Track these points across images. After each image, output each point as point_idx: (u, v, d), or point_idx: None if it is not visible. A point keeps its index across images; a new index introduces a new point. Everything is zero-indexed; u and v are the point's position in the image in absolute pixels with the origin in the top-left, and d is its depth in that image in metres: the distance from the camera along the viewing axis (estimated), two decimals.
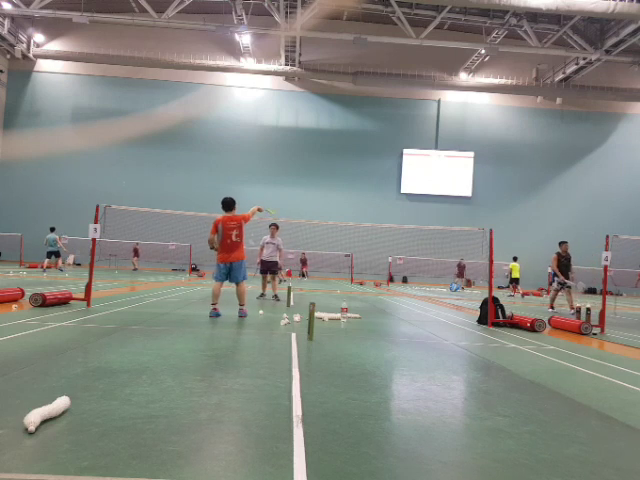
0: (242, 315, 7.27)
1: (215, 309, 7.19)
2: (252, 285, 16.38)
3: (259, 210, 7.89)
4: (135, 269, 25.61)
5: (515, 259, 20.46)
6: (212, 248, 7.42)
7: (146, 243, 26.21)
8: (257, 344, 5.26)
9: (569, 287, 11.67)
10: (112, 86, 29.97)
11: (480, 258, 18.93)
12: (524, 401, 3.34)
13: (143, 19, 24.97)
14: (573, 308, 10.64)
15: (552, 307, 12.14)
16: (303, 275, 27.28)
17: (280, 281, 20.15)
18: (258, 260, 11.11)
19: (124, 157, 29.52)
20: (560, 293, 12.33)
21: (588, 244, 25.85)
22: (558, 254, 11.80)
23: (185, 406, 2.77)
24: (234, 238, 7.24)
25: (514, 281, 20.17)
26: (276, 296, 10.67)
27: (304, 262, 27.59)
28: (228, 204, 7.40)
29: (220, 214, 7.49)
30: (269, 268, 10.97)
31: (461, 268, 23.83)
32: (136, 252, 25.97)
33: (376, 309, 10.28)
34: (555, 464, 2.24)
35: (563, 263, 11.68)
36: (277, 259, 10.97)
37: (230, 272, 7.32)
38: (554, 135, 31.46)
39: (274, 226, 11.03)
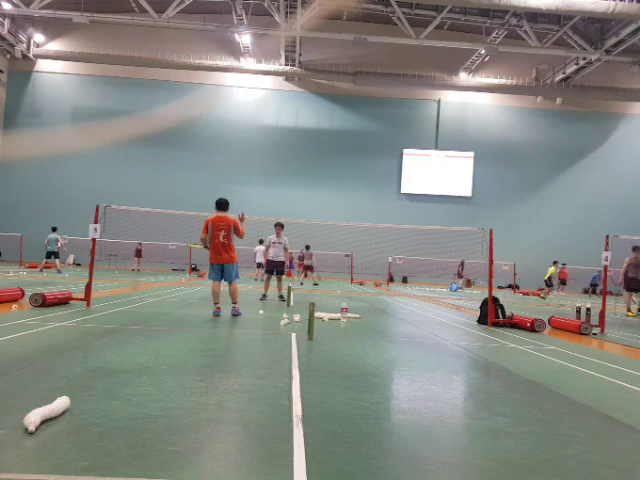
0: (235, 313, 7.34)
1: (218, 308, 7.38)
2: (253, 285, 16.41)
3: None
4: (134, 269, 25.50)
5: (555, 263, 21.02)
6: (205, 247, 7.62)
7: (146, 243, 26.18)
8: (257, 344, 5.26)
9: None
10: (112, 86, 29.97)
11: (480, 258, 18.92)
12: (524, 401, 3.34)
13: (143, 19, 24.97)
14: None
15: None
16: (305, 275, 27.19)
17: (315, 284, 20.07)
18: (261, 260, 11.05)
19: (124, 157, 29.52)
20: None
21: (588, 244, 25.92)
22: None
23: (185, 406, 2.77)
24: (222, 239, 7.34)
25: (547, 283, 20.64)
26: (282, 296, 10.53)
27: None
28: (221, 204, 7.55)
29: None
30: (275, 268, 10.85)
31: (462, 268, 23.89)
32: (138, 252, 25.78)
33: (376, 309, 10.28)
34: (555, 464, 2.24)
35: None
36: (284, 259, 10.88)
37: (223, 272, 7.46)
38: (554, 135, 31.45)
39: (279, 226, 10.79)
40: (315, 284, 20.06)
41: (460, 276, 23.84)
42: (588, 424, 2.93)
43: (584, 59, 27.01)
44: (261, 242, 17.87)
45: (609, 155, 31.50)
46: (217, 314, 7.27)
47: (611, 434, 2.77)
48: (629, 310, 12.37)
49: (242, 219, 7.71)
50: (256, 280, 19.41)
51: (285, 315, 7.08)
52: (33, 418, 2.27)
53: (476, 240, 10.64)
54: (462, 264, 23.81)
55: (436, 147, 31.23)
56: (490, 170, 31.04)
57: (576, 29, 25.64)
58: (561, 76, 29.01)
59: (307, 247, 21.02)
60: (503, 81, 28.82)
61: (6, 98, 29.56)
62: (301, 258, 21.41)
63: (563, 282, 24.53)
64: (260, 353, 4.76)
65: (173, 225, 24.12)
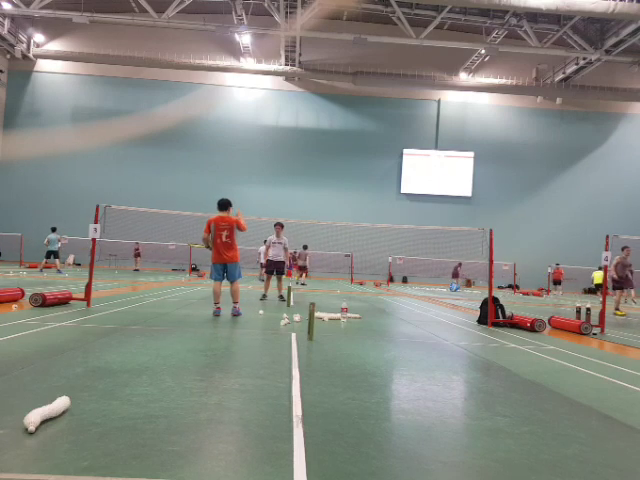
0: (235, 313, 7.35)
1: (219, 308, 7.40)
2: (253, 285, 16.40)
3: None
4: (136, 269, 25.57)
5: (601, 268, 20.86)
6: (207, 247, 7.65)
7: (146, 243, 26.18)
8: (257, 344, 5.26)
9: None
10: (112, 86, 29.97)
11: (480, 258, 18.93)
12: (524, 401, 3.34)
13: (143, 19, 24.97)
14: None
15: None
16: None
17: (300, 283, 19.81)
18: (264, 260, 11.01)
19: (124, 157, 29.52)
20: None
21: (588, 244, 25.90)
22: None
23: (185, 406, 2.77)
24: (224, 238, 7.36)
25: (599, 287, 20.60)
26: (282, 296, 10.52)
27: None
28: (223, 204, 7.57)
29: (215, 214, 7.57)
30: (276, 268, 10.82)
31: (457, 270, 23.98)
32: (137, 253, 25.94)
33: (376, 309, 10.28)
34: (555, 464, 2.24)
35: None
36: (284, 259, 10.86)
37: (225, 272, 7.48)
38: (554, 135, 31.45)
39: (279, 225, 10.76)
40: (302, 284, 19.69)
41: (455, 276, 23.86)
42: (588, 424, 2.93)
43: (584, 59, 27.01)
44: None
45: (609, 155, 31.50)
46: (217, 314, 7.27)
47: (611, 434, 2.77)
48: (617, 309, 12.55)
49: (238, 214, 7.74)
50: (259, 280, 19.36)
51: (285, 315, 7.08)
52: (33, 418, 2.26)
53: (476, 240, 10.64)
54: (459, 265, 23.89)
55: (436, 147, 31.23)
56: (490, 170, 31.04)
57: (576, 29, 25.64)
58: (561, 76, 29.02)
59: (305, 247, 20.87)
60: (503, 81, 28.82)
61: (6, 98, 29.56)
62: (294, 258, 21.02)
63: (558, 282, 24.54)
64: (260, 353, 4.76)
65: (173, 225, 24.12)
